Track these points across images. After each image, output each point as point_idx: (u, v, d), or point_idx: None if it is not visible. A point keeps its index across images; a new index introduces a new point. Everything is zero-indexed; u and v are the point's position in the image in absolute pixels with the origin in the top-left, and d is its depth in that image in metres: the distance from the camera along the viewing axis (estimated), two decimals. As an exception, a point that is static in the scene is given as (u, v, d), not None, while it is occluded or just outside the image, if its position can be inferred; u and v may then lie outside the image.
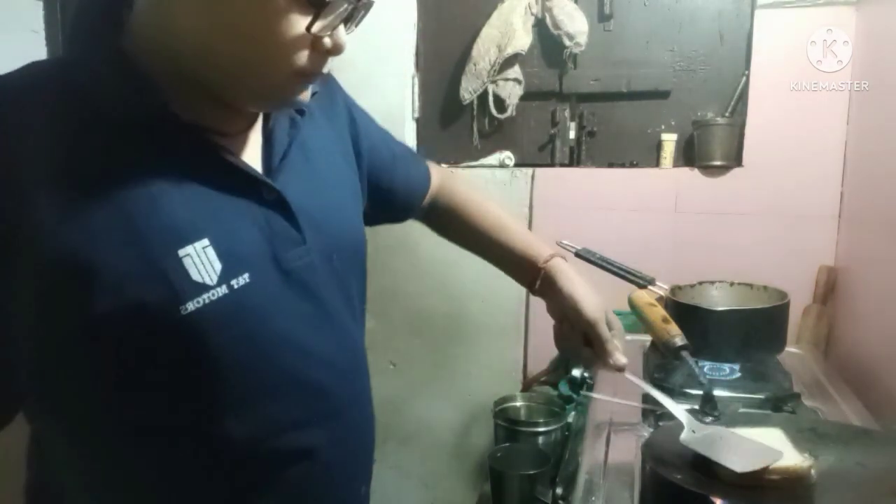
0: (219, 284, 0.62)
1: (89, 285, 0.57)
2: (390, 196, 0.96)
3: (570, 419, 1.50)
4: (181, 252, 0.60)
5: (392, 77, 1.96)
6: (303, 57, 0.61)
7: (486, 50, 1.84)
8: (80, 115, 0.59)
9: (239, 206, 0.66)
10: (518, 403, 1.66)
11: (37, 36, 1.99)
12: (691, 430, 0.88)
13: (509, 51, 1.80)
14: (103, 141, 0.59)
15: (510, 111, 1.88)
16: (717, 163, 1.72)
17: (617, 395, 1.24)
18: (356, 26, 0.66)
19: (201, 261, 0.61)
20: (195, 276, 0.60)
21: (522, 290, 1.92)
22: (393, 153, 0.96)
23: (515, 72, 1.85)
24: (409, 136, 2.00)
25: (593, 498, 0.91)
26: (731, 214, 1.73)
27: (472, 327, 1.98)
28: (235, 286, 0.63)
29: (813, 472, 0.79)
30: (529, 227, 1.90)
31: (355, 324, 0.79)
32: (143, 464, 0.66)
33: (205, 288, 0.61)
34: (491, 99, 1.88)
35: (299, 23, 0.59)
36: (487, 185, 1.91)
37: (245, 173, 0.66)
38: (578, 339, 0.90)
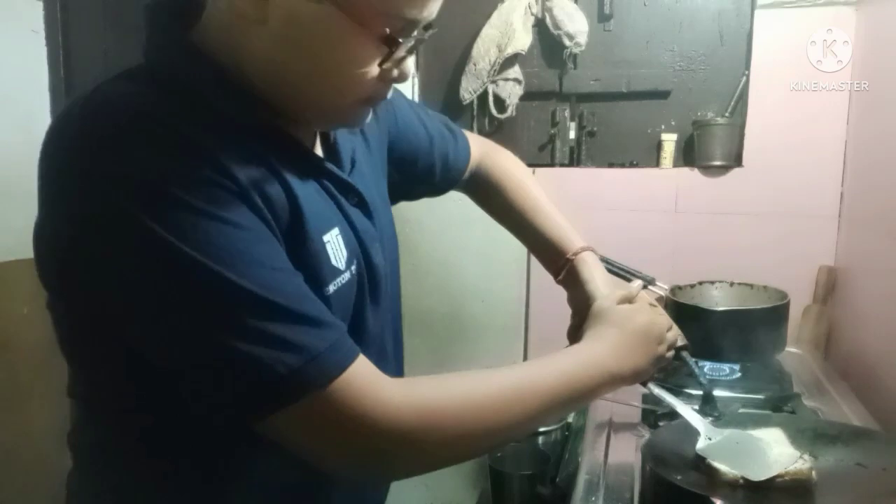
0: (346, 269, 0.68)
1: None
2: (430, 175, 0.98)
3: (570, 419, 1.50)
4: (325, 238, 0.66)
5: (392, 77, 1.96)
6: (370, 86, 0.64)
7: (486, 50, 1.84)
8: (202, 115, 0.60)
9: (339, 205, 0.71)
10: (518, 403, 1.66)
11: (37, 36, 1.99)
12: (707, 438, 0.87)
13: (509, 51, 1.80)
14: (231, 136, 0.60)
15: (510, 111, 1.88)
16: (717, 163, 1.72)
17: (617, 395, 1.24)
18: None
19: (336, 247, 0.67)
20: (333, 261, 0.67)
21: (522, 290, 1.94)
22: (430, 134, 0.97)
23: (515, 72, 1.85)
24: (409, 136, 2.00)
25: (593, 498, 0.91)
26: (731, 214, 1.73)
27: (472, 327, 1.98)
28: (353, 272, 0.70)
29: (813, 472, 0.79)
30: (529, 227, 1.89)
31: (400, 308, 0.88)
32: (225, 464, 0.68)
33: (338, 272, 0.67)
34: (491, 99, 1.88)
35: (371, 58, 0.62)
36: (487, 185, 1.91)
37: (341, 178, 0.72)
38: None
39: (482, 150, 1.06)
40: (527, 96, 1.88)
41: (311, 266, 0.64)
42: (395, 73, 0.65)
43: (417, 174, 0.96)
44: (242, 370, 0.55)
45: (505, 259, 1.90)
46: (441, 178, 1.00)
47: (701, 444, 0.86)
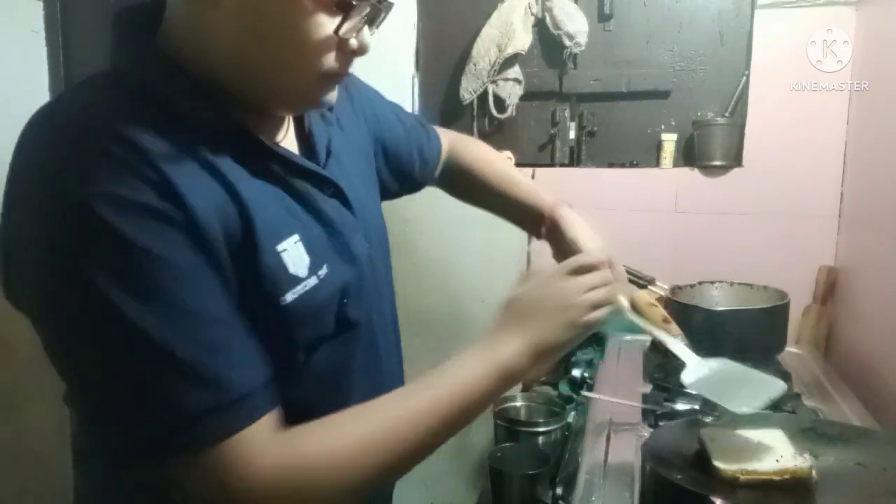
0: (309, 276, 0.67)
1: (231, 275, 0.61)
2: (411, 168, 1.00)
3: (570, 419, 1.50)
4: (279, 247, 0.64)
5: (392, 77, 1.96)
6: (330, 59, 0.63)
7: (486, 50, 1.84)
8: (165, 125, 0.59)
9: (310, 202, 0.70)
10: (518, 403, 1.66)
11: (37, 36, 1.99)
12: (694, 372, 0.84)
13: (509, 51, 1.80)
14: (192, 147, 0.61)
15: (510, 111, 1.88)
16: (717, 163, 1.72)
17: (617, 395, 1.24)
18: (377, 27, 0.68)
19: (295, 255, 0.66)
20: (291, 270, 0.65)
21: (522, 290, 1.94)
22: (406, 128, 0.99)
23: (515, 72, 1.85)
24: (409, 136, 2.00)
25: (593, 498, 0.91)
26: (731, 214, 1.73)
27: (472, 327, 1.98)
28: (320, 276, 0.68)
29: (813, 472, 0.79)
30: (529, 227, 1.90)
31: (392, 298, 0.88)
32: None
33: (298, 280, 0.66)
34: (491, 99, 1.88)
35: (326, 26, 0.61)
36: (487, 185, 1.91)
37: (313, 171, 0.71)
38: None
39: (450, 141, 1.08)
40: (527, 96, 1.88)
41: (266, 278, 0.63)
42: (355, 43, 0.64)
43: (401, 168, 0.98)
44: (126, 413, 0.56)
45: (505, 259, 1.90)
46: (419, 171, 1.02)
47: (688, 378, 0.84)
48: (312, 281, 0.67)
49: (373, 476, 0.64)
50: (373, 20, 0.65)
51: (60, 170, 0.55)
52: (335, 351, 0.72)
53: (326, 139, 0.77)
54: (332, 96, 0.70)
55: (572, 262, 0.74)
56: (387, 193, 0.98)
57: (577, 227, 0.94)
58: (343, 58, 0.65)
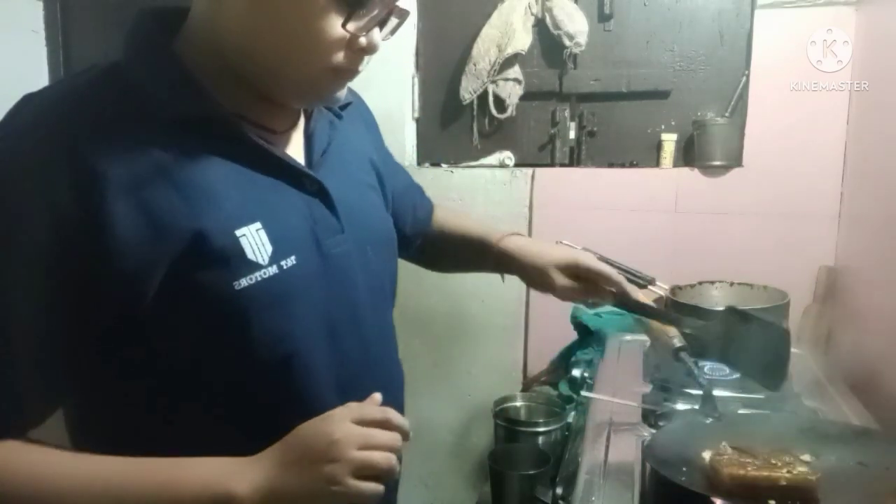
0: (270, 264, 0.67)
1: (154, 265, 0.62)
2: (405, 219, 1.00)
3: (570, 419, 1.50)
4: (238, 232, 0.65)
5: (392, 77, 1.96)
6: (339, 54, 0.66)
7: (486, 50, 1.84)
8: (139, 111, 0.64)
9: (284, 194, 0.71)
10: (518, 403, 1.66)
11: (37, 36, 1.99)
12: None
13: (509, 51, 1.80)
14: (160, 135, 0.64)
15: (510, 111, 1.88)
16: (717, 163, 1.72)
17: (617, 395, 1.24)
18: (392, 34, 0.71)
19: (255, 241, 0.66)
20: (250, 256, 0.66)
21: (522, 290, 1.94)
22: (405, 184, 1.02)
23: (515, 72, 1.85)
24: (409, 136, 2.00)
25: (593, 498, 0.91)
26: (731, 214, 1.73)
27: (472, 327, 1.98)
28: (284, 266, 0.68)
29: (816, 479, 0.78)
30: (529, 227, 1.90)
31: (386, 309, 0.86)
32: (178, 429, 0.68)
33: (257, 266, 0.66)
34: (491, 99, 1.88)
35: (336, 21, 0.64)
36: (487, 185, 1.91)
37: (290, 165, 0.72)
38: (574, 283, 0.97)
39: (436, 208, 1.10)
40: (527, 96, 1.88)
41: (219, 260, 0.64)
42: (364, 41, 0.66)
43: (396, 219, 0.95)
44: None
45: (505, 259, 1.90)
46: (411, 227, 1.02)
47: None
48: (272, 270, 0.67)
49: None
50: (383, 24, 0.67)
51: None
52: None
53: (326, 143, 0.78)
54: (341, 94, 0.72)
55: (358, 408, 0.66)
56: None
57: (531, 243, 0.98)
58: (352, 55, 0.67)
